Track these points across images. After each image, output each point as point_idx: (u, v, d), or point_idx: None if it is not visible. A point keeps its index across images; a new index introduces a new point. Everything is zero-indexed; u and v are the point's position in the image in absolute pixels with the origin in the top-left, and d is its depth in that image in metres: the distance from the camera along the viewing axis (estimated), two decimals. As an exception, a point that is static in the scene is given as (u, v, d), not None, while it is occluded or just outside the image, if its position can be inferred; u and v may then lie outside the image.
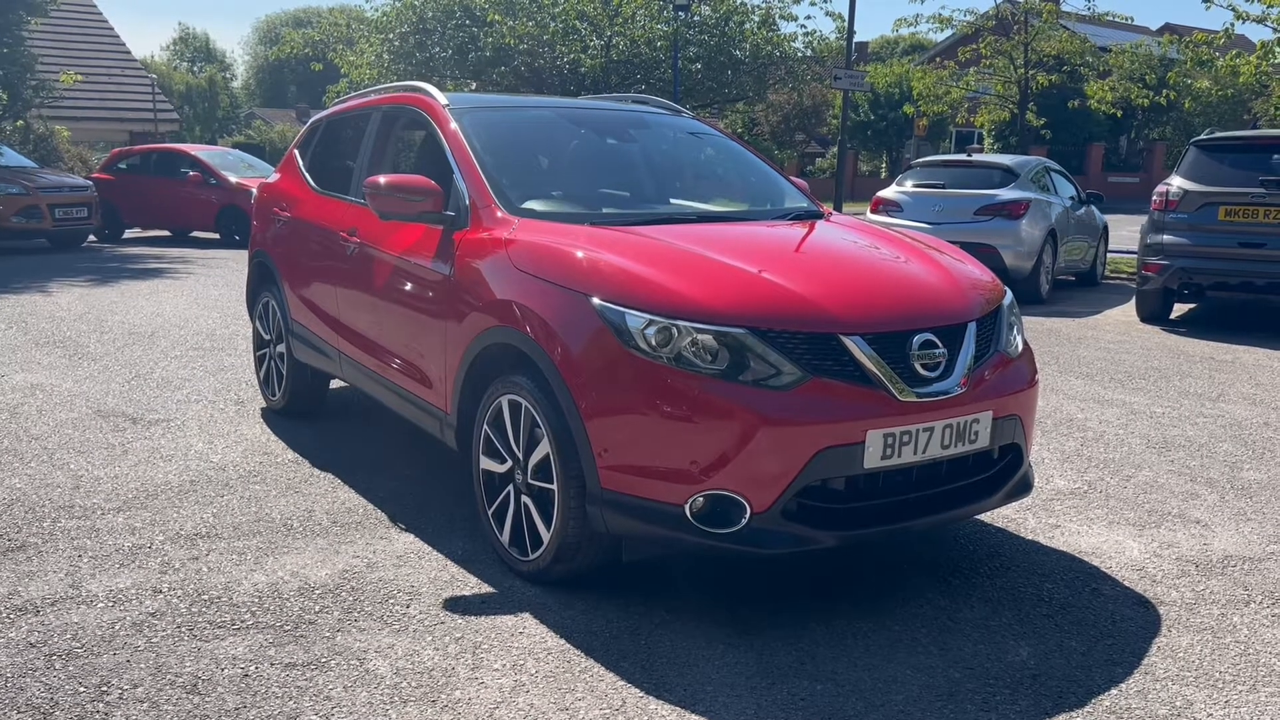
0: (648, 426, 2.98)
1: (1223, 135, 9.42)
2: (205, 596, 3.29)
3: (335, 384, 5.73)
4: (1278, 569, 3.69)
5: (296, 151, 5.66)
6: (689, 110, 5.22)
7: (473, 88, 22.99)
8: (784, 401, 2.93)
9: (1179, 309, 10.13)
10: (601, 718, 2.64)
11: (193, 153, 17.59)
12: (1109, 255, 13.89)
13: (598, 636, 3.07)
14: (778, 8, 23.51)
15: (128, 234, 18.17)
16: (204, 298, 10.25)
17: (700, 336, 2.97)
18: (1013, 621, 3.23)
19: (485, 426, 3.55)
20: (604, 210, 4.09)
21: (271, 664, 2.87)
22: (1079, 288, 12.45)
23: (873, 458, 2.99)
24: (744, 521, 2.94)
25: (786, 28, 36.07)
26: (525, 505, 3.39)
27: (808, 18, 74.79)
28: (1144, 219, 9.66)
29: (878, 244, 3.83)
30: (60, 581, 3.39)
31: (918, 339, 3.11)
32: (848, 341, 3.02)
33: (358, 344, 4.56)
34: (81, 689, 2.72)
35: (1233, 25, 14.73)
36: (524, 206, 3.83)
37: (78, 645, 2.96)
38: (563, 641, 3.03)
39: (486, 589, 3.40)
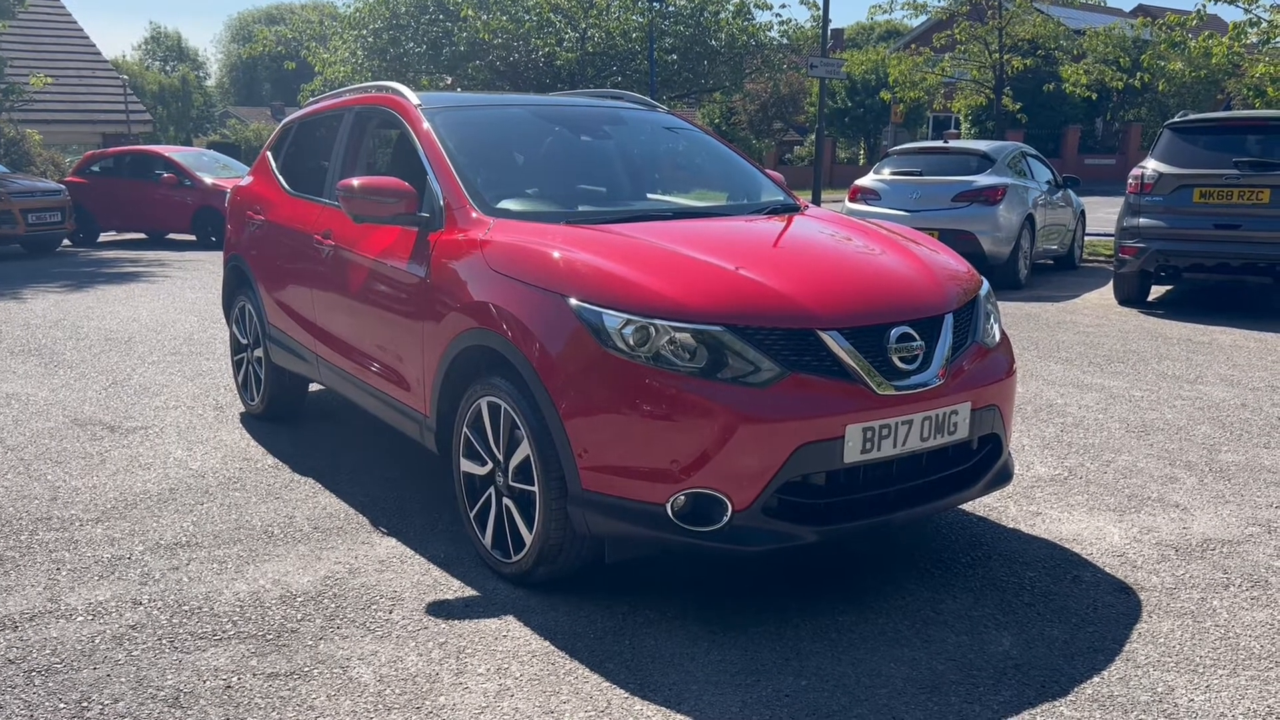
0: (627, 426, 2.98)
1: (1197, 117, 9.47)
2: (186, 607, 3.27)
3: (314, 387, 5.69)
4: (1256, 551, 3.73)
5: (269, 153, 5.61)
6: (665, 103, 5.20)
7: (448, 83, 22.87)
8: (763, 398, 2.93)
9: (1156, 291, 10.20)
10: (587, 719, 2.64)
11: (167, 154, 17.44)
12: (1086, 238, 13.96)
13: (582, 638, 3.06)
14: (752, -3, 23.49)
15: (103, 237, 18.01)
16: (181, 301, 10.18)
17: (678, 335, 2.96)
18: (995, 611, 3.24)
19: (465, 429, 3.53)
20: (580, 209, 4.07)
21: (254, 674, 2.85)
22: (1057, 271, 12.51)
23: (852, 452, 3.00)
24: (725, 519, 2.94)
25: (761, 16, 36.06)
26: (507, 507, 3.38)
27: (783, 6, 75.06)
28: (1121, 201, 9.71)
29: (853, 237, 3.83)
30: (38, 595, 3.36)
31: (895, 332, 3.11)
32: (825, 336, 3.02)
33: (335, 348, 4.54)
34: (62, 705, 2.70)
35: (1205, 6, 14.82)
36: (499, 206, 3.80)
37: (57, 660, 2.93)
38: (547, 644, 3.02)
39: (469, 592, 3.38)
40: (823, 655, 2.95)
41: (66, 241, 16.48)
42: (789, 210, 4.27)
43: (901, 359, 3.10)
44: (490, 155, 4.30)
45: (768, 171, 4.80)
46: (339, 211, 4.25)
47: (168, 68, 73.95)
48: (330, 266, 4.48)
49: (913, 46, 25.89)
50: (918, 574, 3.52)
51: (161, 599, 3.33)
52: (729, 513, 2.93)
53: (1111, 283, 10.09)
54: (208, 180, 16.39)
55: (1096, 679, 2.83)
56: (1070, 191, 12.62)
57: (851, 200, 11.54)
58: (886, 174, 11.57)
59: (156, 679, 2.83)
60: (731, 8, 23.66)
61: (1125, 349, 7.48)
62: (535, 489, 3.21)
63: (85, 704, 2.70)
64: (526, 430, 3.20)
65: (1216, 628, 3.14)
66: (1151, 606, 3.28)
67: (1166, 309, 9.45)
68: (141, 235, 18.26)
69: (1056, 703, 2.71)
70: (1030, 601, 3.31)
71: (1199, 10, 14.94)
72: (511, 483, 3.34)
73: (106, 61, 32.63)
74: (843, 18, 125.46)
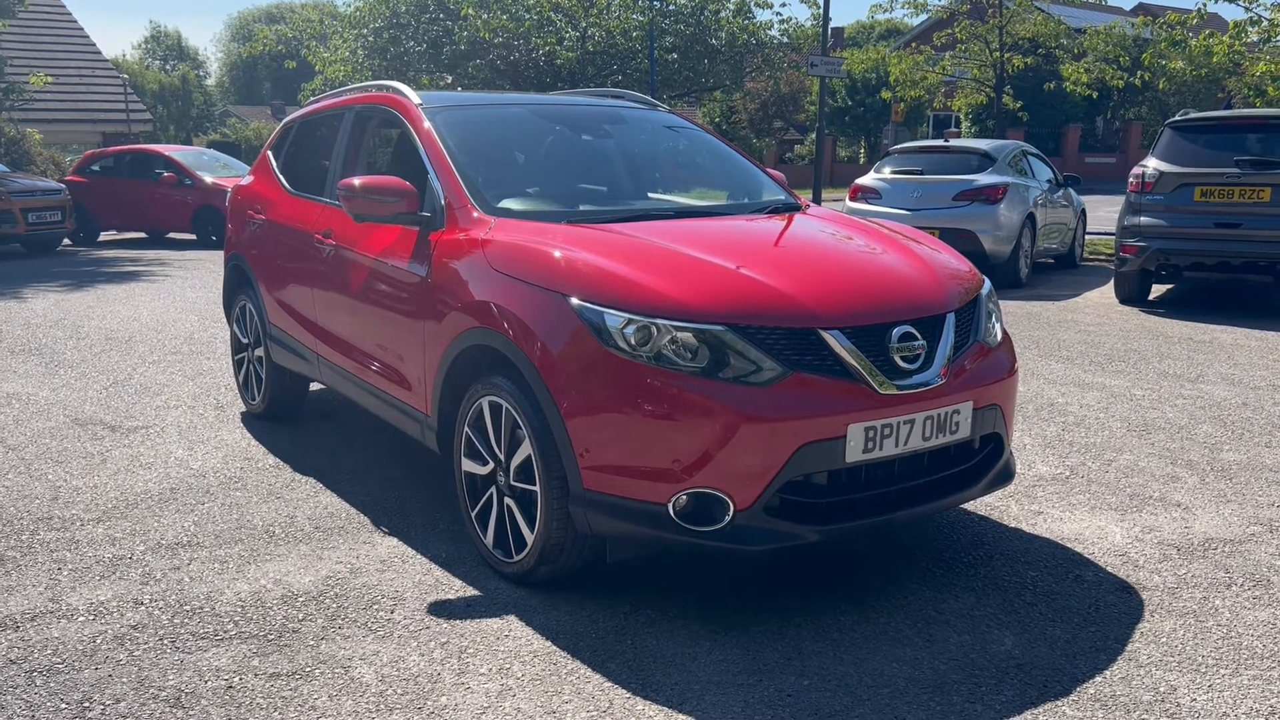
0: (629, 426, 2.97)
1: (1197, 116, 9.46)
2: (187, 607, 3.27)
3: (315, 386, 5.69)
4: (1258, 550, 3.72)
5: (270, 153, 5.61)
6: (665, 102, 5.20)
7: (448, 82, 22.87)
8: (765, 398, 2.93)
9: (1157, 290, 10.19)
10: (589, 720, 2.63)
11: (167, 153, 17.44)
12: (1087, 237, 13.96)
13: (584, 637, 3.06)
14: (752, -5, 23.45)
15: (103, 237, 18.02)
16: (181, 300, 10.18)
17: (680, 334, 2.96)
18: (997, 611, 3.24)
19: (466, 428, 3.53)
20: (581, 208, 4.07)
21: (256, 675, 2.85)
22: (1058, 270, 12.51)
23: (854, 451, 2.99)
24: (727, 519, 2.93)
25: (762, 15, 36.04)
26: (508, 507, 3.38)
27: (783, 4, 74.92)
28: (1121, 200, 9.70)
29: (855, 236, 3.83)
30: (40, 595, 3.35)
31: (897, 331, 3.11)
32: (827, 336, 3.01)
33: (336, 347, 4.53)
34: (63, 705, 2.70)
35: (1205, 5, 14.81)
36: (500, 206, 3.80)
37: (59, 660, 2.93)
38: (549, 644, 3.02)
39: (471, 592, 3.38)
40: (825, 655, 2.95)
41: (67, 241, 16.49)
42: (790, 209, 4.26)
43: (903, 358, 3.10)
44: (491, 154, 4.29)
45: (769, 170, 4.80)
46: (340, 211, 4.24)
47: (168, 67, 73.89)
48: (331, 266, 4.48)
49: (913, 45, 25.87)
50: (920, 573, 3.52)
51: (163, 599, 3.33)
52: (731, 512, 2.93)
53: (1112, 281, 10.08)
54: (208, 179, 16.39)
55: (1099, 678, 2.82)
56: (1071, 190, 12.62)
57: (852, 199, 11.53)
58: (887, 173, 11.56)
59: (158, 679, 2.82)
60: (732, 6, 23.63)
61: (1126, 348, 7.47)
62: (537, 488, 3.21)
63: (87, 704, 2.70)
64: (528, 430, 3.20)
65: (1219, 627, 3.14)
66: (1153, 606, 3.28)
67: (1167, 308, 9.45)
68: (142, 234, 18.26)
69: (1059, 702, 2.70)
70: (1032, 601, 3.31)
71: (1199, 9, 14.92)
72: (513, 482, 3.34)
73: (107, 60, 32.63)
74: (843, 16, 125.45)
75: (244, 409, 5.74)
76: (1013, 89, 23.81)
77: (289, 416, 5.53)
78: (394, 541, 3.82)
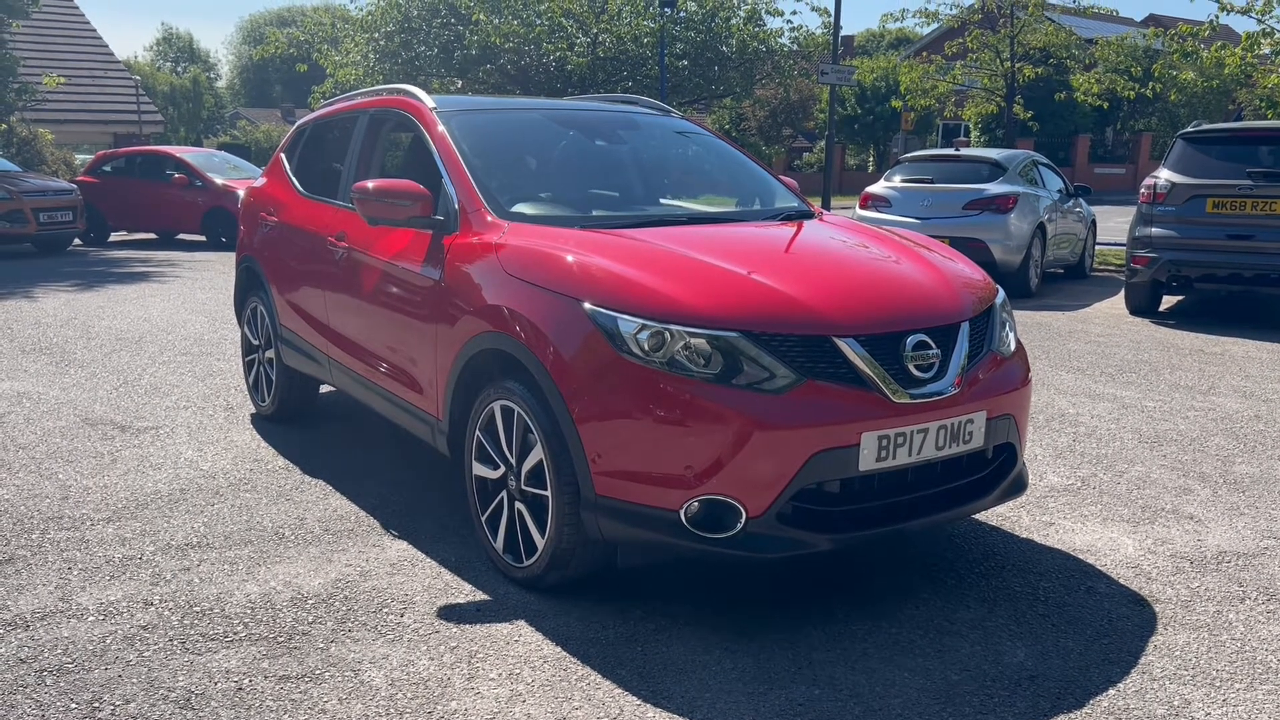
0: (641, 431, 2.97)
1: (1209, 127, 9.44)
2: (197, 608, 3.26)
3: (325, 389, 5.69)
4: (1272, 564, 3.70)
5: (283, 155, 5.62)
6: (676, 108, 5.20)
7: (458, 86, 22.92)
8: (778, 405, 2.92)
9: (1167, 301, 10.16)
10: (599, 727, 2.62)
11: (178, 155, 17.48)
12: (1097, 247, 13.93)
13: (594, 643, 3.05)
14: (763, 3, 23.46)
15: (113, 237, 18.07)
16: (191, 301, 10.20)
17: (693, 340, 2.95)
18: (1009, 622, 3.22)
19: (477, 432, 3.52)
20: (594, 213, 4.07)
21: (265, 677, 2.85)
22: (1068, 280, 12.48)
23: (868, 460, 2.98)
24: (739, 526, 2.92)
25: (773, 23, 36.08)
26: (519, 512, 3.37)
27: (794, 13, 74.96)
28: (1131, 211, 9.68)
29: (869, 244, 3.82)
30: (50, 595, 3.35)
31: (911, 340, 3.10)
32: (841, 344, 3.00)
33: (347, 349, 4.54)
34: (73, 705, 2.69)
35: (1217, 17, 14.78)
36: (514, 210, 3.80)
37: (69, 660, 2.93)
38: (559, 649, 3.01)
39: (481, 596, 3.37)
40: (836, 664, 2.94)
41: (77, 241, 16.54)
42: (803, 216, 4.25)
43: (917, 367, 3.09)
44: (505, 159, 4.30)
45: (781, 177, 4.79)
46: (353, 214, 4.25)
47: (179, 69, 74.16)
48: (343, 268, 4.48)
49: (924, 54, 25.85)
50: (931, 583, 3.50)
51: (173, 600, 3.33)
52: (743, 519, 2.92)
53: (1122, 292, 10.05)
54: (218, 181, 16.42)
55: (1112, 691, 2.81)
56: (1081, 200, 12.59)
57: (862, 207, 11.53)
58: (898, 181, 11.56)
59: (168, 680, 2.82)
60: (742, 14, 23.63)
61: (1137, 359, 7.44)
62: (548, 493, 3.20)
63: (96, 704, 2.70)
64: (539, 434, 3.19)
65: (1233, 641, 3.11)
66: (1166, 619, 3.26)
67: (1178, 319, 9.41)
68: (152, 235, 18.31)
69: (1071, 715, 2.68)
70: (1044, 612, 3.29)
71: (1211, 21, 14.90)
72: (524, 487, 3.33)
73: (119, 62, 32.76)
74: (853, 24, 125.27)
75: (254, 410, 5.74)
76: (1023, 99, 23.78)
77: (299, 418, 5.54)
78: (404, 545, 3.81)
